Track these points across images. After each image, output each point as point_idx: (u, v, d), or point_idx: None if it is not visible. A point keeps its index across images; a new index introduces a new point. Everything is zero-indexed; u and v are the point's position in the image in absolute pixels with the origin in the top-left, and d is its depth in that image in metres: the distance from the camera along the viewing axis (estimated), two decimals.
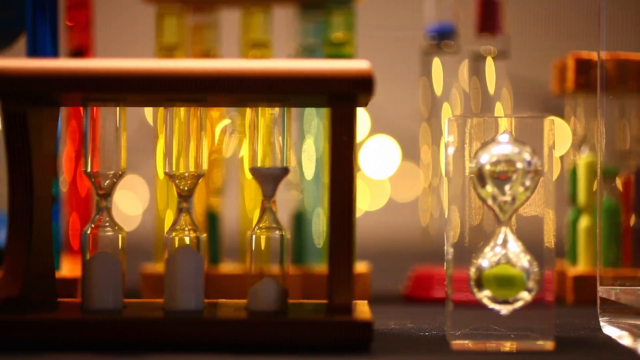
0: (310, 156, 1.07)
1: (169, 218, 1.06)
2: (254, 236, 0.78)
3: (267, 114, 0.77)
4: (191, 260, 0.77)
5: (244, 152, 1.06)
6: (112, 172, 0.77)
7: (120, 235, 0.78)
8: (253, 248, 0.78)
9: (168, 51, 1.07)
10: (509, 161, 0.74)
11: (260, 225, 0.78)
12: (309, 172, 1.08)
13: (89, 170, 0.77)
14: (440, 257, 1.06)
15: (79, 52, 1.19)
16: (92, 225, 0.78)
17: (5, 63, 0.72)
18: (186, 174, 0.77)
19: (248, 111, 0.77)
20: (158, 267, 1.06)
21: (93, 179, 0.78)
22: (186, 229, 0.78)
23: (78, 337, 0.72)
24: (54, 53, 0.99)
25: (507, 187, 0.74)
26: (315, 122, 1.07)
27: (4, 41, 1.08)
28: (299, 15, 1.08)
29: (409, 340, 0.78)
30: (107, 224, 0.78)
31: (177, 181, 0.78)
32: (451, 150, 0.75)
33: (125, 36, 1.61)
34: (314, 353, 0.72)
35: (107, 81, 0.72)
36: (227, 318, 0.75)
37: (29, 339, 0.72)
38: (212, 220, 1.08)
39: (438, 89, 1.06)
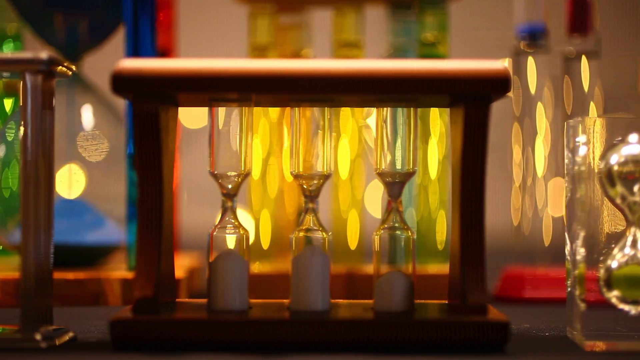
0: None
1: (264, 218, 1.06)
2: (380, 236, 0.77)
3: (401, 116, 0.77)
4: (318, 260, 0.77)
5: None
6: (237, 173, 0.77)
7: (244, 235, 0.78)
8: (378, 248, 0.77)
9: (260, 51, 1.07)
10: (638, 162, 0.74)
11: (387, 226, 0.78)
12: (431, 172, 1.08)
13: (214, 171, 0.77)
14: (531, 257, 1.06)
15: (163, 52, 1.19)
16: (217, 226, 0.78)
17: (140, 63, 0.72)
18: (313, 175, 0.77)
19: (377, 113, 0.77)
20: (254, 267, 1.06)
21: (219, 180, 0.77)
22: (312, 229, 0.77)
23: (207, 337, 0.72)
24: (152, 51, 1.00)
25: (635, 188, 0.74)
26: (438, 123, 1.07)
27: (95, 40, 1.09)
28: (391, 15, 1.08)
29: (535, 341, 0.77)
30: (232, 224, 0.78)
31: (302, 181, 0.77)
32: (583, 150, 0.75)
33: (208, 36, 1.60)
34: (446, 354, 0.71)
35: (243, 81, 0.72)
36: (354, 318, 0.75)
37: (163, 339, 0.72)
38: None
39: (532, 88, 1.06)
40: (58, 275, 0.95)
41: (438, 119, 1.06)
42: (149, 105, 0.73)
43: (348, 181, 1.09)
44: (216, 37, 1.56)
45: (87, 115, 1.07)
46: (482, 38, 1.47)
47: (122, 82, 0.72)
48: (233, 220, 0.78)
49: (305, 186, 0.78)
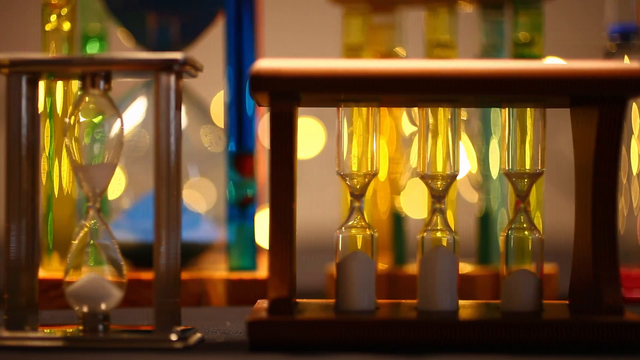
0: (495, 157, 1.07)
1: None
2: (507, 237, 0.77)
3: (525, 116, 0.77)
4: (447, 260, 0.77)
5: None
6: (365, 173, 0.77)
7: (372, 235, 0.78)
8: (507, 249, 0.77)
9: (353, 51, 1.07)
10: None
11: (515, 226, 0.78)
12: (494, 172, 1.07)
13: (342, 171, 0.77)
14: (626, 256, 1.06)
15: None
16: (345, 226, 0.78)
17: (278, 63, 0.72)
18: (442, 175, 0.77)
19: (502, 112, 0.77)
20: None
21: (346, 180, 0.77)
22: (441, 229, 0.78)
23: (341, 337, 0.72)
24: (252, 50, 1.00)
25: None
26: (499, 122, 1.07)
27: (186, 39, 1.09)
28: (482, 15, 1.08)
29: None
30: (360, 224, 0.78)
31: (430, 182, 0.78)
32: None
33: (293, 35, 1.60)
34: (578, 355, 0.71)
35: (386, 82, 0.72)
36: (484, 319, 0.75)
37: (298, 340, 0.72)
38: (397, 220, 1.08)
39: None
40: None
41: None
42: (286, 105, 0.73)
43: (387, 181, 1.09)
44: (300, 36, 1.56)
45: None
46: (572, 38, 1.47)
47: (260, 82, 0.72)
48: (360, 221, 0.78)
49: (433, 187, 0.78)
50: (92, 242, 0.76)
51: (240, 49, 0.99)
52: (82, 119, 0.75)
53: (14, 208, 0.74)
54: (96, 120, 0.75)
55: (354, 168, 0.77)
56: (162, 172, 0.74)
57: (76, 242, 0.76)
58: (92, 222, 0.76)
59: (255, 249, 1.00)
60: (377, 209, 1.08)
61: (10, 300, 0.74)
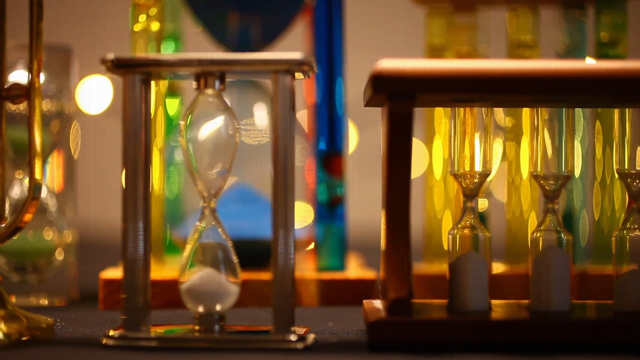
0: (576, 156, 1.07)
1: (446, 218, 1.07)
2: (622, 237, 0.77)
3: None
4: (560, 261, 0.77)
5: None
6: (478, 172, 0.77)
7: (485, 236, 0.78)
8: (620, 249, 0.77)
9: (436, 51, 1.07)
10: None
11: (629, 226, 0.77)
12: (575, 172, 1.07)
13: (457, 171, 0.77)
14: None
15: None
16: (458, 226, 0.78)
17: (401, 64, 0.72)
18: (556, 175, 0.77)
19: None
20: (428, 268, 1.06)
21: (460, 180, 0.77)
22: (552, 229, 0.77)
23: (460, 337, 0.72)
24: (341, 49, 1.00)
25: None
26: (582, 122, 1.07)
27: (266, 39, 1.09)
28: (564, 15, 1.08)
29: None
30: (473, 224, 0.78)
31: (542, 182, 0.77)
32: None
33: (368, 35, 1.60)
34: None
35: (511, 82, 0.72)
36: (597, 319, 0.75)
37: (418, 340, 0.72)
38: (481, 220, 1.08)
39: None
40: (252, 275, 0.95)
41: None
42: (405, 105, 0.73)
43: (442, 181, 1.09)
44: (384, 36, 1.55)
45: (261, 114, 1.07)
46: None
47: (382, 82, 0.72)
48: (473, 221, 0.78)
49: (546, 187, 0.78)
50: (206, 242, 0.76)
51: (331, 49, 0.99)
52: (196, 120, 0.75)
53: (130, 208, 0.75)
54: (211, 120, 0.75)
55: (467, 168, 0.77)
56: (280, 172, 0.74)
57: (191, 242, 0.76)
58: (206, 222, 0.76)
59: (344, 249, 1.00)
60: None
61: (127, 301, 0.74)
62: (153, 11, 1.01)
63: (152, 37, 1.01)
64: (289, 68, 0.73)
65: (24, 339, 0.74)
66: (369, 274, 0.98)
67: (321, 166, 1.00)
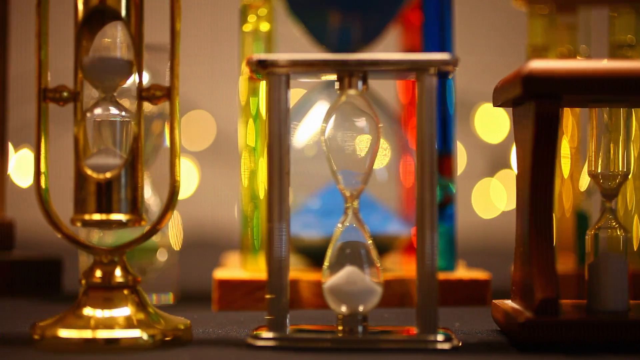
0: None
1: None
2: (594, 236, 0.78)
3: None
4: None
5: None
6: (617, 173, 0.77)
7: (624, 236, 0.78)
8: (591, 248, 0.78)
9: (538, 52, 1.07)
10: None
11: (601, 225, 0.78)
12: None
13: (594, 171, 0.77)
14: None
15: (411, 52, 1.19)
16: (597, 226, 0.78)
17: (552, 65, 0.72)
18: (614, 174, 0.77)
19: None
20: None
21: (599, 180, 0.77)
22: (612, 228, 0.78)
23: (597, 337, 0.72)
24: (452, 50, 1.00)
25: None
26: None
27: (366, 39, 1.09)
28: None
29: None
30: (612, 224, 0.78)
31: (602, 181, 0.78)
32: None
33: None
34: None
35: None
36: None
37: (566, 341, 0.72)
38: (582, 220, 1.08)
39: None
40: None
41: None
42: (553, 106, 0.73)
43: (569, 180, 1.09)
44: (488, 36, 1.55)
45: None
46: None
47: (534, 83, 0.72)
48: (612, 221, 0.78)
49: (604, 186, 0.78)
50: (347, 242, 0.76)
51: (444, 49, 0.99)
52: (339, 120, 0.75)
53: (275, 208, 0.74)
54: (353, 121, 0.75)
55: (609, 168, 0.77)
56: (426, 173, 0.74)
57: (332, 242, 0.76)
58: (349, 221, 0.76)
59: (454, 249, 1.00)
60: (561, 208, 1.08)
61: (273, 301, 0.74)
62: (263, 12, 1.01)
63: (263, 38, 1.01)
64: (436, 68, 0.73)
65: (167, 339, 0.74)
66: (481, 275, 0.98)
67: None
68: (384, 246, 1.03)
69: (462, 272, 0.99)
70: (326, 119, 0.75)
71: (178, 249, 1.05)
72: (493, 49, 1.34)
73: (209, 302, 0.99)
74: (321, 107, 1.08)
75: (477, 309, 0.93)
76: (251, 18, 1.01)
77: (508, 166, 2.27)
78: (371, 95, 1.08)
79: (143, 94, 0.77)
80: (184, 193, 2.00)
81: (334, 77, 0.76)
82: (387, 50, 1.14)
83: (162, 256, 1.04)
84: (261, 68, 0.74)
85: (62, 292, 1.12)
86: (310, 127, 1.08)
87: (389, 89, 1.19)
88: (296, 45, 1.08)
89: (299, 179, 1.06)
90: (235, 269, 1.03)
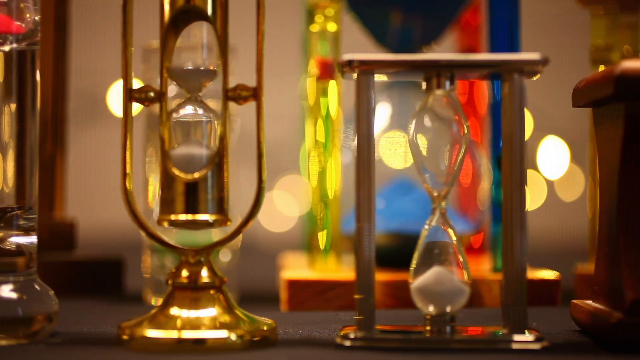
0: None
1: None
2: None
3: None
4: None
5: None
6: None
7: None
8: None
9: (601, 52, 1.07)
10: None
11: None
12: None
13: None
14: None
15: (469, 53, 1.19)
16: None
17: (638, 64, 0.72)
18: None
19: None
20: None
21: None
22: None
23: None
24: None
25: None
26: None
27: (426, 39, 1.09)
28: None
29: None
30: None
31: None
32: None
33: None
34: None
35: None
36: None
37: None
38: None
39: None
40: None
41: None
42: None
43: None
44: (542, 36, 1.54)
45: None
46: None
47: (626, 83, 0.72)
48: None
49: None
50: (435, 242, 0.76)
51: (512, 46, 0.99)
52: (427, 120, 0.75)
53: (364, 209, 0.75)
54: (441, 120, 0.75)
55: None
56: (515, 173, 0.74)
57: (420, 242, 0.76)
58: (436, 221, 0.76)
59: None
60: None
61: (362, 301, 0.74)
62: (330, 12, 1.01)
63: (329, 38, 1.01)
64: (527, 68, 0.73)
65: (255, 339, 0.74)
66: (550, 275, 0.97)
67: (497, 167, 0.99)
68: None
69: (529, 273, 0.99)
70: (413, 120, 0.75)
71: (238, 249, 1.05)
72: (558, 50, 1.33)
73: (273, 302, 0.99)
74: (382, 108, 1.08)
75: (549, 310, 0.93)
76: (318, 18, 1.01)
77: (534, 167, 2.28)
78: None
79: (229, 94, 0.77)
80: None
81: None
82: (444, 50, 1.15)
83: (225, 257, 1.04)
84: (352, 68, 0.74)
85: (124, 292, 1.12)
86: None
87: None
88: (357, 45, 1.08)
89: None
90: (301, 269, 1.03)
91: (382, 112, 1.08)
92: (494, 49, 0.99)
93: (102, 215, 1.45)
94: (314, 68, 1.01)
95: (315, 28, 1.01)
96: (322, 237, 0.99)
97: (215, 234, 1.02)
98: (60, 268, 1.07)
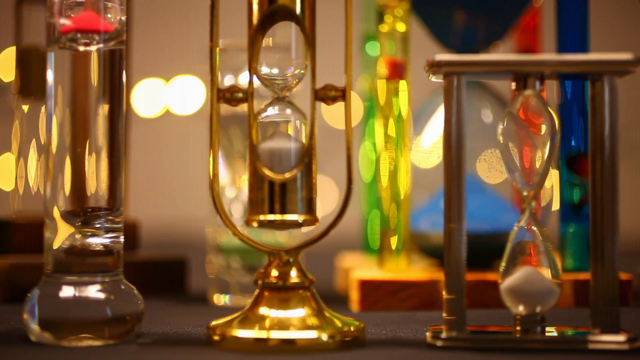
0: None
1: None
2: None
3: None
4: None
5: None
6: None
7: None
8: None
9: None
10: None
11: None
12: None
13: None
14: None
15: (528, 53, 1.19)
16: None
17: None
18: None
19: None
20: None
21: None
22: None
23: None
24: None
25: None
26: None
27: (489, 39, 1.09)
28: None
29: None
30: None
31: None
32: None
33: None
34: None
35: None
36: None
37: None
38: None
39: None
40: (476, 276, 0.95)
41: None
42: None
43: None
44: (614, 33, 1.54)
45: (486, 113, 1.07)
46: None
47: None
48: None
49: None
50: (525, 242, 0.76)
51: (584, 44, 0.99)
52: (516, 120, 0.75)
53: (455, 209, 0.75)
54: (531, 121, 0.75)
55: None
56: (607, 173, 0.74)
57: (509, 242, 0.76)
58: (526, 221, 0.76)
59: (588, 249, 1.00)
60: None
61: (454, 302, 0.74)
62: (399, 12, 1.01)
63: (399, 39, 1.01)
64: (621, 69, 0.73)
65: (346, 339, 0.74)
66: (621, 275, 0.97)
67: (567, 167, 0.99)
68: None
69: None
70: (502, 118, 0.75)
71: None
72: (617, 47, 1.33)
73: (338, 302, 0.99)
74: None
75: (623, 309, 0.93)
76: (387, 18, 1.01)
77: None
78: (493, 89, 1.08)
79: (318, 94, 0.77)
80: None
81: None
82: (504, 51, 1.15)
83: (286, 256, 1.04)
84: (438, 68, 0.74)
85: (187, 292, 1.12)
86: (436, 129, 1.08)
87: (503, 85, 1.19)
88: (425, 46, 1.08)
89: (420, 179, 1.07)
90: (371, 269, 1.03)
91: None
92: (564, 49, 0.99)
93: (164, 215, 1.45)
94: (383, 68, 1.01)
95: (384, 28, 1.01)
96: (393, 237, 0.99)
97: (280, 235, 1.03)
98: (124, 268, 1.07)
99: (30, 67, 1.10)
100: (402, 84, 1.00)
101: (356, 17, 1.22)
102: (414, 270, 1.01)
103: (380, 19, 1.01)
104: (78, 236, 0.76)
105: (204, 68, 1.04)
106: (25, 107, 1.10)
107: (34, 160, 1.10)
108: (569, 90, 0.99)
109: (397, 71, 1.00)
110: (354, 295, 0.97)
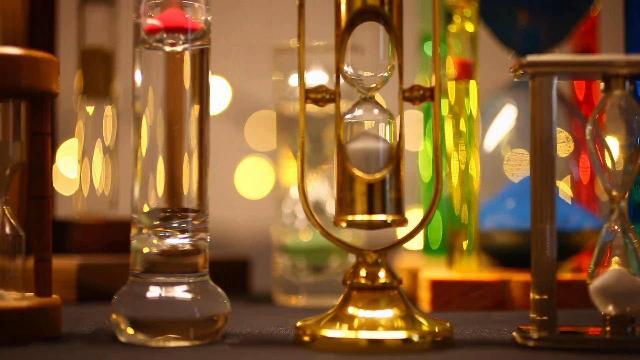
0: None
1: None
2: None
3: None
4: None
5: None
6: None
7: None
8: None
9: None
10: None
11: None
12: None
13: None
14: None
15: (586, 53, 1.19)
16: None
17: None
18: None
19: None
20: None
21: None
22: None
23: None
24: None
25: None
26: None
27: (552, 40, 1.09)
28: None
29: None
30: None
31: None
32: None
33: None
34: None
35: None
36: None
37: None
38: None
39: None
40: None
41: None
42: None
43: None
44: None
45: None
46: None
47: None
48: None
49: None
50: (615, 242, 0.76)
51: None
52: (607, 120, 0.75)
53: (546, 209, 0.75)
54: (621, 121, 0.75)
55: None
56: None
57: (598, 242, 0.76)
58: (615, 222, 0.76)
59: None
60: None
61: (546, 302, 0.74)
62: (468, 12, 1.01)
63: (468, 39, 1.01)
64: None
65: (437, 339, 0.74)
66: None
67: None
68: (578, 244, 1.03)
69: None
70: (592, 118, 0.76)
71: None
72: None
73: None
74: (508, 109, 1.08)
75: None
76: (456, 19, 1.01)
77: None
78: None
79: (405, 94, 0.77)
80: None
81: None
82: (561, 51, 1.15)
83: (334, 262, 1.04)
84: (529, 68, 0.74)
85: (251, 293, 1.12)
86: (500, 129, 1.08)
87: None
88: (493, 46, 1.08)
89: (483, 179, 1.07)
90: (440, 269, 1.03)
91: (508, 115, 1.08)
92: (633, 49, 0.99)
93: (227, 216, 1.45)
94: (451, 68, 1.01)
95: (453, 28, 1.01)
96: (466, 239, 0.99)
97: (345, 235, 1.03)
98: None
99: (93, 68, 1.10)
100: (472, 84, 1.00)
101: (414, 17, 1.22)
102: (483, 270, 1.01)
103: (448, 19, 1.01)
104: (167, 237, 0.76)
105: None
106: (90, 109, 1.10)
107: (100, 161, 1.10)
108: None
109: (465, 71, 1.01)
110: (424, 295, 0.97)
